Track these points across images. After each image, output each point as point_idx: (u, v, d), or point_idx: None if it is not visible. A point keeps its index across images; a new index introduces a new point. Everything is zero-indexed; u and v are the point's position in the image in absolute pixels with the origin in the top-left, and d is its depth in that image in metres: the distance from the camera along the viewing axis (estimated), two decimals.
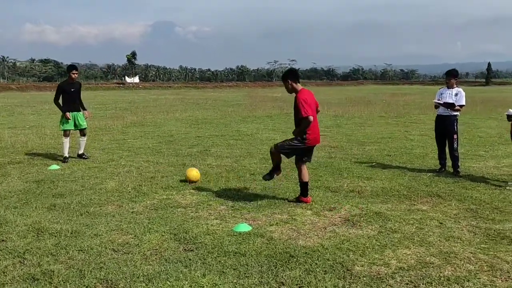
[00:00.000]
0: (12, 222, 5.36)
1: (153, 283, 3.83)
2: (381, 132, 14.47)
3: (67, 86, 9.48)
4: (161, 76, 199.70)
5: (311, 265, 4.22)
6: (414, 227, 5.33)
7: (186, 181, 7.32)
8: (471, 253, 4.54)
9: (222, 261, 4.29)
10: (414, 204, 6.29)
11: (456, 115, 8.22)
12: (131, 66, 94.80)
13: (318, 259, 4.36)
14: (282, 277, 3.98)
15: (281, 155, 6.32)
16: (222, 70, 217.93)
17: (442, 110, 8.31)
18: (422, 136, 13.38)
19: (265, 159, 9.58)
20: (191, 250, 4.56)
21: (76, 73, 9.63)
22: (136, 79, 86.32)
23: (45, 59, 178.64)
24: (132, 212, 5.84)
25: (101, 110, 23.97)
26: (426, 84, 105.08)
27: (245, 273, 4.04)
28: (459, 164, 8.26)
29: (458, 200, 6.47)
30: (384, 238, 4.95)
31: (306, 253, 4.51)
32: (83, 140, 9.81)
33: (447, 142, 8.33)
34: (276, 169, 6.47)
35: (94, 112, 22.95)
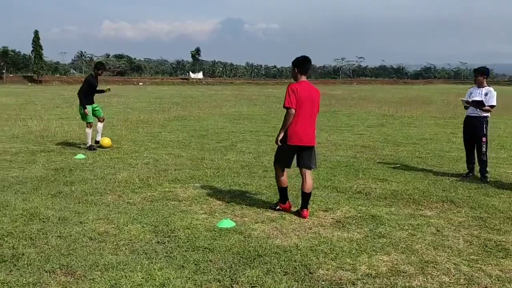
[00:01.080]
0: (11, 206, 5.64)
1: (108, 272, 3.88)
2: (425, 133, 13.82)
3: (94, 80, 9.96)
4: (228, 72, 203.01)
5: (275, 265, 4.09)
6: (407, 233, 5.03)
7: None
8: (455, 264, 4.21)
9: (187, 256, 4.27)
10: (420, 209, 5.93)
11: (486, 116, 7.67)
12: (195, 62, 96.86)
13: (285, 259, 4.22)
14: (239, 276, 3.89)
15: (279, 170, 5.67)
16: (288, 67, 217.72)
17: (471, 111, 7.79)
18: None
19: None
20: (163, 243, 4.58)
21: (103, 73, 10.37)
22: (200, 75, 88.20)
23: (119, 55, 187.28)
24: (127, 203, 5.96)
25: (154, 104, 24.75)
26: (501, 84, 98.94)
27: (203, 269, 3.99)
28: (488, 169, 7.71)
29: (471, 207, 6.03)
30: (367, 242, 4.71)
31: (276, 252, 4.38)
32: (101, 126, 10.54)
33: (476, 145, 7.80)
34: (281, 198, 5.73)
35: (147, 105, 23.75)
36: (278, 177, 5.69)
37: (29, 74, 73.26)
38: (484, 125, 7.64)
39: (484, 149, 7.66)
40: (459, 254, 4.44)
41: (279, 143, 5.61)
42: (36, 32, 69.64)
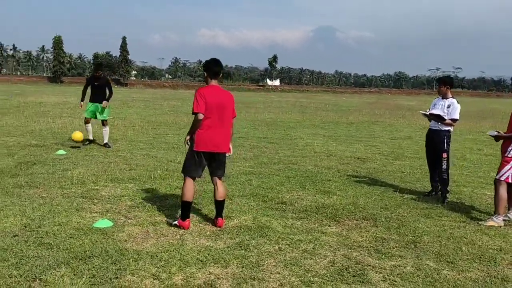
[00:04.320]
0: None
1: None
2: None
3: (92, 80, 10.66)
4: (315, 80, 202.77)
5: (92, 267, 4.02)
6: (276, 247, 4.70)
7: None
8: (281, 284, 3.86)
9: (23, 251, 4.31)
10: (328, 225, 5.52)
11: (448, 130, 6.96)
12: (272, 69, 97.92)
13: (110, 263, 4.14)
14: (45, 274, 3.86)
15: (187, 180, 5.29)
16: (379, 76, 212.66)
17: (433, 124, 7.12)
18: (486, 156, 11.51)
19: (264, 164, 9.25)
20: (16, 236, 4.69)
21: (100, 73, 10.85)
22: (276, 82, 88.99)
23: None
24: (40, 197, 6.17)
25: None
26: None
27: (18, 265, 4.00)
28: (449, 188, 6.99)
29: (387, 227, 5.50)
30: (219, 253, 4.47)
31: (110, 255, 4.30)
32: (106, 130, 10.81)
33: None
34: (182, 213, 5.27)
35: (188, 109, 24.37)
36: (184, 188, 5.27)
37: (117, 77, 78.57)
38: (445, 140, 6.93)
39: (444, 166, 6.94)
40: (303, 275, 4.07)
41: (187, 144, 5.40)
42: (123, 38, 74.53)
